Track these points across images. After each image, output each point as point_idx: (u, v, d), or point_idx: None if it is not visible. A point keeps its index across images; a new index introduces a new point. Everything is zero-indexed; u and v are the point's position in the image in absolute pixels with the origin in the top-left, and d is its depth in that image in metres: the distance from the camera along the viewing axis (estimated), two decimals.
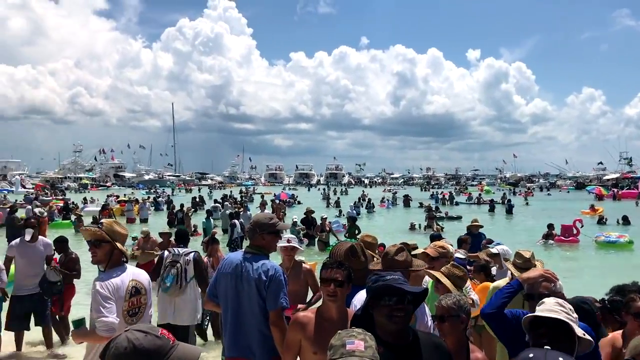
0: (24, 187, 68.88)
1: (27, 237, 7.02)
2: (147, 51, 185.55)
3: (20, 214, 20.87)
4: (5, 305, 7.07)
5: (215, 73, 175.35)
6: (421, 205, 39.33)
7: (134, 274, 3.62)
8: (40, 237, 7.31)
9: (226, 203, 29.60)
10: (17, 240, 7.18)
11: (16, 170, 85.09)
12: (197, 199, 40.42)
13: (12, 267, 7.07)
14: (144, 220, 27.79)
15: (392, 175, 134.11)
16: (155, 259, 11.63)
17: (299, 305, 4.60)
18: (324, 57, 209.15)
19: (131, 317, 3.48)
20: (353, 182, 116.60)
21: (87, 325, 3.48)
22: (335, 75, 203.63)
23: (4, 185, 70.44)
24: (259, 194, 56.04)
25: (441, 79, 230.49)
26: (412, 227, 24.93)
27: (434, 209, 31.15)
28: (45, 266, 7.10)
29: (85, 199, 42.10)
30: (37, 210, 21.94)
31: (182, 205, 26.69)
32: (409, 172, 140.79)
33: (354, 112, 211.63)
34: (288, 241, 5.39)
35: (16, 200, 34.14)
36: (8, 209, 22.23)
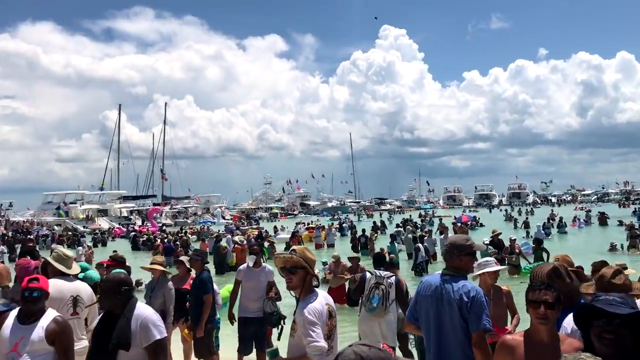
0: (224, 218, 75.57)
1: (250, 263, 7.59)
2: (324, 86, 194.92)
3: (223, 242, 23.02)
4: (228, 328, 7.85)
5: (389, 100, 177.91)
6: (621, 223, 35.57)
7: (325, 297, 3.75)
8: (263, 263, 7.80)
9: (408, 227, 29.68)
10: (245, 265, 7.84)
11: (217, 203, 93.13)
12: (379, 224, 41.05)
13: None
14: (331, 246, 28.92)
15: (583, 192, 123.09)
16: (347, 283, 12.18)
17: (507, 328, 4.51)
18: (499, 73, 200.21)
19: (328, 339, 3.58)
20: (539, 201, 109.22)
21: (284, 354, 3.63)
22: (512, 91, 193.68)
23: (207, 217, 78.00)
24: (437, 217, 55.22)
25: (635, 84, 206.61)
26: (613, 248, 22.60)
27: (637, 226, 28.03)
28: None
29: (275, 227, 44.67)
30: (237, 238, 24.00)
31: (363, 231, 27.32)
32: (603, 188, 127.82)
33: (535, 127, 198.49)
34: (495, 264, 5.32)
35: (219, 231, 37.73)
36: (214, 239, 24.78)
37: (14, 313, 4.03)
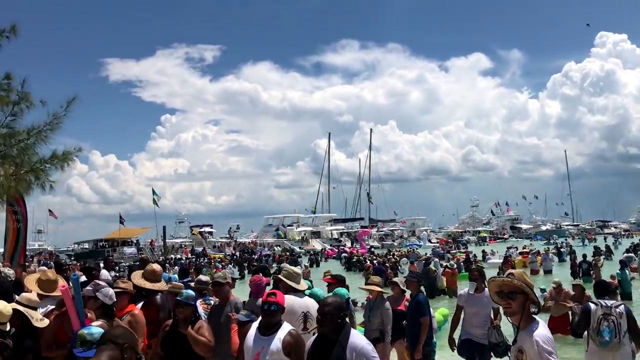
0: (430, 241, 75.24)
1: (471, 290, 7.33)
2: (533, 101, 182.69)
3: (432, 266, 22.80)
4: (446, 352, 7.73)
5: (609, 113, 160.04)
6: None
7: (545, 327, 3.50)
8: (486, 288, 7.64)
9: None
10: (465, 290, 7.57)
11: (422, 226, 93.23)
12: (602, 249, 37.18)
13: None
14: (548, 272, 26.98)
15: None
16: (569, 312, 11.20)
17: None
18: None
19: None
20: None
21: None
22: None
23: (413, 240, 78.37)
24: None
25: None
26: None
27: None
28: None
29: (484, 251, 43.13)
30: (447, 263, 23.70)
31: (584, 256, 24.96)
32: None
33: None
34: None
35: (426, 254, 37.54)
36: (423, 262, 24.74)
37: (255, 324, 4.44)
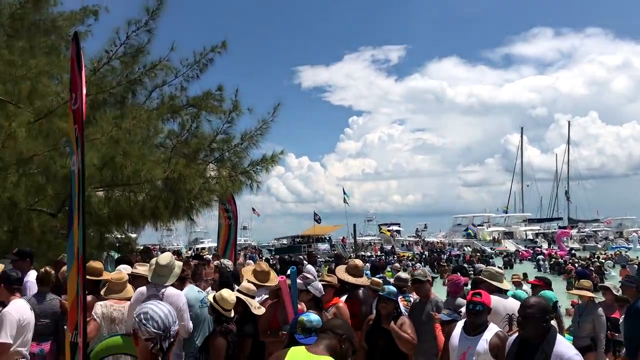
0: None
1: None
2: None
3: None
4: None
5: None
6: None
7: None
8: None
9: None
10: None
11: (632, 227, 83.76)
12: None
13: None
14: None
15: None
16: None
17: None
18: None
19: None
20: None
21: None
22: None
23: (620, 242, 70.77)
24: None
25: None
26: None
27: None
28: None
29: None
30: None
31: None
32: None
33: None
34: None
35: (637, 257, 33.93)
36: (636, 266, 22.35)
37: (460, 324, 4.39)
